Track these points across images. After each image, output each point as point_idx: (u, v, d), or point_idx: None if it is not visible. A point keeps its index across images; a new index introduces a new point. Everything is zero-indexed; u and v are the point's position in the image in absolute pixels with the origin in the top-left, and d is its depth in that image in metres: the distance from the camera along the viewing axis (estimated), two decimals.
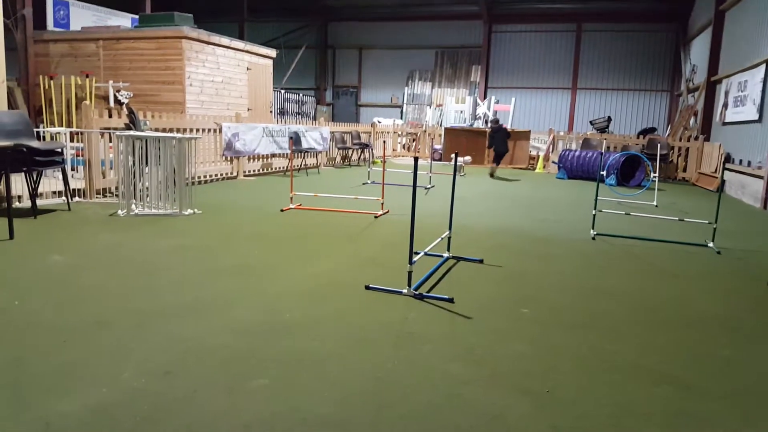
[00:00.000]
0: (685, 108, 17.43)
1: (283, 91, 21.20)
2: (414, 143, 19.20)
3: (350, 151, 15.82)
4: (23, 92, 11.64)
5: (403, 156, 18.82)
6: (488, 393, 2.58)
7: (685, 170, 14.88)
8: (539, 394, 2.59)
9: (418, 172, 3.92)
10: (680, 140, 15.55)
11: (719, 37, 14.84)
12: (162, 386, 2.50)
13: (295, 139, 12.24)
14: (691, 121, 16.40)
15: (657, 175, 10.61)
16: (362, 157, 16.36)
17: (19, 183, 6.85)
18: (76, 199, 7.47)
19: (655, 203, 9.50)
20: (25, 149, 6.10)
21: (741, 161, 11.78)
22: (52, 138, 7.88)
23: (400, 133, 19.31)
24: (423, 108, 24.15)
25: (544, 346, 3.16)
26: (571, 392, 2.62)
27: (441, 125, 21.02)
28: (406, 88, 24.59)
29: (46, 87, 11.53)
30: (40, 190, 6.85)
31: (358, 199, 8.29)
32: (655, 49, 21.42)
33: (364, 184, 10.80)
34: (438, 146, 17.70)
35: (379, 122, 19.46)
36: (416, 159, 3.91)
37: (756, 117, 11.16)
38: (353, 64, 25.67)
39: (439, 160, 16.93)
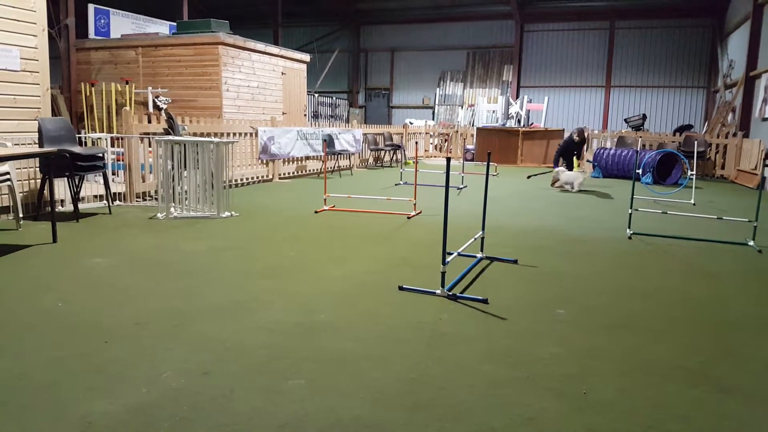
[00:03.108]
0: (722, 104, 16.99)
1: (316, 95, 21.39)
2: (446, 144, 19.14)
3: (383, 153, 15.85)
4: (66, 99, 11.98)
5: (435, 157, 18.78)
6: (523, 394, 2.56)
7: (723, 167, 14.51)
8: (575, 396, 2.57)
9: (450, 172, 3.92)
10: (718, 137, 15.18)
11: (758, 31, 14.47)
12: (200, 386, 2.55)
13: (328, 142, 12.33)
14: (729, 117, 16.00)
15: (694, 172, 10.36)
16: (395, 158, 16.39)
17: (61, 187, 7.07)
18: (117, 202, 7.67)
19: (692, 201, 9.29)
20: (67, 154, 6.30)
21: None
22: (93, 143, 8.10)
23: (432, 133, 19.28)
24: (455, 108, 24.07)
25: (579, 347, 3.13)
26: (607, 394, 2.59)
27: (473, 125, 20.91)
28: (438, 89, 24.54)
29: (88, 94, 11.86)
30: (81, 194, 7.05)
31: (390, 200, 8.31)
32: (691, 45, 20.94)
33: (396, 185, 10.82)
34: (470, 146, 17.62)
35: (411, 123, 19.45)
36: (448, 159, 3.91)
37: None
38: (385, 67, 25.75)
39: (472, 160, 16.84)
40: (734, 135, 14.61)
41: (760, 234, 6.25)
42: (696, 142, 12.67)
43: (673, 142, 15.22)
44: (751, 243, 5.96)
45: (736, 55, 16.85)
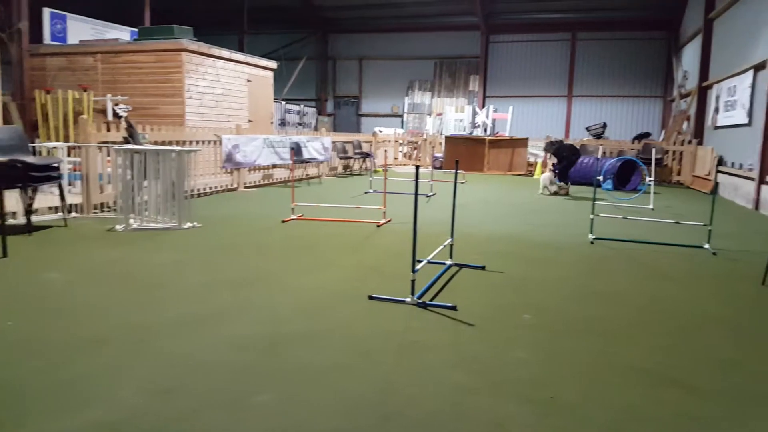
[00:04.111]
0: (678, 113, 17.52)
1: (284, 103, 21.25)
2: (415, 152, 19.22)
3: (352, 161, 15.83)
4: (18, 106, 11.62)
5: (404, 165, 18.83)
6: (492, 401, 2.56)
7: (679, 174, 15.02)
8: (542, 401, 2.57)
9: (419, 180, 3.92)
10: (674, 144, 15.68)
11: (709, 44, 15.09)
12: (162, 404, 2.47)
13: (296, 150, 12.24)
14: (684, 125, 16.52)
15: (653, 178, 10.60)
16: (364, 166, 16.37)
17: (13, 199, 6.80)
18: (73, 214, 7.43)
19: (651, 206, 9.51)
20: (19, 164, 6.07)
21: (733, 164, 11.89)
22: (48, 153, 7.87)
23: (401, 142, 19.34)
24: (423, 117, 24.24)
25: (546, 352, 3.14)
26: (574, 398, 2.61)
27: (441, 134, 21.06)
28: (406, 97, 24.69)
29: (43, 101, 11.52)
30: (35, 205, 6.81)
31: (360, 209, 8.28)
32: (648, 57, 21.62)
33: (366, 193, 10.79)
34: (438, 154, 17.72)
35: (380, 131, 19.49)
36: (417, 167, 3.91)
37: (746, 121, 11.28)
38: (354, 75, 25.80)
39: (440, 168, 16.94)
40: (689, 143, 15.11)
41: (714, 237, 6.42)
42: (654, 150, 12.94)
43: (632, 149, 15.64)
44: (707, 246, 6.13)
45: (690, 66, 17.45)
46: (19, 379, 2.66)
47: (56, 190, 6.93)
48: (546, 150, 11.95)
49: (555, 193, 11.37)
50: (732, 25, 13.18)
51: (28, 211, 6.36)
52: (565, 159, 11.67)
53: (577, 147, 11.63)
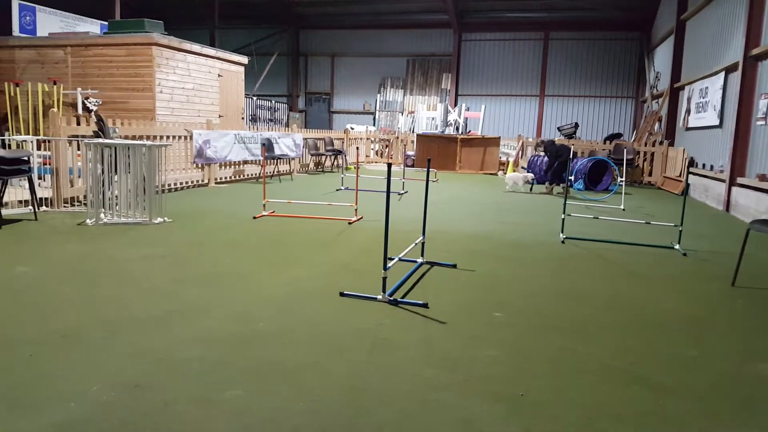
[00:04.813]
0: (649, 114, 17.81)
1: (255, 98, 21.08)
2: (387, 150, 19.25)
3: (323, 158, 15.79)
4: None
5: (376, 162, 18.85)
6: (462, 398, 2.59)
7: (650, 174, 15.22)
8: (513, 397, 2.61)
9: (391, 178, 3.94)
10: (645, 145, 15.91)
11: (681, 45, 15.29)
12: (132, 400, 2.45)
13: (267, 146, 12.17)
14: (656, 126, 16.78)
15: (624, 179, 10.80)
16: (336, 163, 16.34)
17: None
18: (43, 208, 7.31)
19: (622, 207, 9.67)
20: None
21: (704, 165, 12.08)
22: (18, 146, 7.71)
23: (373, 139, 19.35)
24: (395, 115, 24.26)
25: (516, 349, 3.19)
26: (544, 395, 2.65)
27: (413, 132, 21.13)
28: (379, 95, 24.68)
29: (12, 94, 11.28)
30: (5, 199, 6.69)
31: (331, 206, 8.27)
32: (621, 57, 21.88)
33: (337, 190, 10.78)
34: (411, 152, 17.78)
35: (352, 129, 19.46)
36: (389, 165, 3.93)
37: (717, 122, 11.47)
38: (326, 71, 25.69)
39: (412, 166, 16.99)
40: (661, 143, 15.33)
41: (685, 238, 6.56)
42: (625, 150, 13.20)
43: (604, 149, 15.83)
44: (677, 246, 6.25)
45: (662, 67, 17.69)
46: None
47: (26, 184, 6.79)
48: (545, 150, 12.00)
49: (549, 192, 11.64)
50: (704, 27, 13.38)
51: None
52: (560, 159, 11.69)
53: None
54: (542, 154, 15.34)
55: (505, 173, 16.57)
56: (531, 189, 11.91)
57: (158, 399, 2.46)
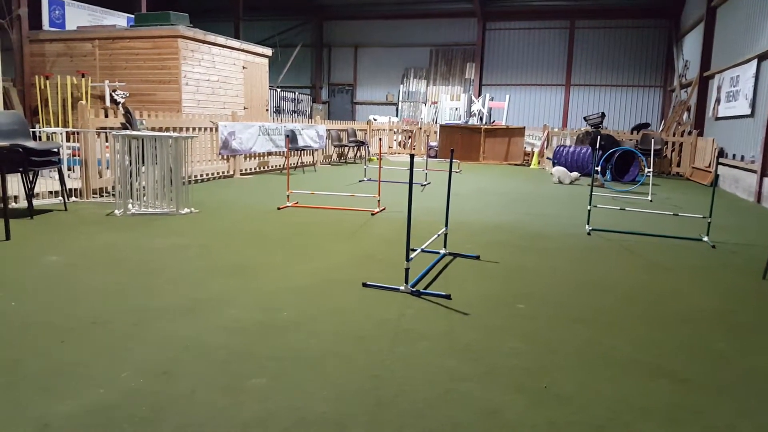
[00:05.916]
0: (678, 103, 17.48)
1: (279, 90, 21.18)
2: (410, 140, 19.21)
3: (346, 149, 15.82)
4: (19, 92, 11.61)
5: (399, 153, 18.83)
6: (485, 389, 2.59)
7: (679, 165, 14.96)
8: (536, 389, 2.61)
9: (414, 169, 3.94)
10: (674, 135, 15.62)
11: (711, 32, 14.94)
12: (160, 386, 2.51)
13: (291, 138, 12.23)
14: (685, 116, 16.47)
15: (651, 170, 10.64)
16: (358, 154, 16.36)
17: (15, 183, 6.84)
18: (73, 199, 7.46)
19: (649, 198, 9.53)
20: (21, 149, 6.09)
21: (734, 156, 11.84)
22: (48, 138, 7.87)
23: (395, 130, 19.32)
24: (418, 105, 24.18)
25: (540, 341, 3.18)
26: (568, 388, 2.64)
27: (436, 122, 21.03)
28: (402, 85, 24.61)
29: (42, 87, 11.50)
30: (36, 190, 6.84)
31: (354, 197, 8.30)
32: (648, 45, 21.48)
33: (360, 181, 10.80)
34: (434, 143, 17.72)
35: (375, 120, 19.46)
36: (412, 156, 3.92)
37: (748, 112, 11.22)
38: (349, 62, 25.68)
39: (435, 157, 16.94)
40: (689, 133, 15.05)
41: (713, 230, 6.45)
42: (653, 140, 13.00)
43: (631, 140, 15.59)
44: (706, 239, 6.15)
45: (691, 55, 17.34)
46: (19, 361, 2.69)
47: (56, 175, 6.95)
48: (591, 143, 11.94)
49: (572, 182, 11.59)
50: (735, 13, 13.07)
51: (30, 195, 6.39)
52: (603, 149, 11.56)
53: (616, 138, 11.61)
54: (568, 144, 15.18)
55: (529, 164, 16.46)
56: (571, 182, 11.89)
57: (186, 386, 2.51)
